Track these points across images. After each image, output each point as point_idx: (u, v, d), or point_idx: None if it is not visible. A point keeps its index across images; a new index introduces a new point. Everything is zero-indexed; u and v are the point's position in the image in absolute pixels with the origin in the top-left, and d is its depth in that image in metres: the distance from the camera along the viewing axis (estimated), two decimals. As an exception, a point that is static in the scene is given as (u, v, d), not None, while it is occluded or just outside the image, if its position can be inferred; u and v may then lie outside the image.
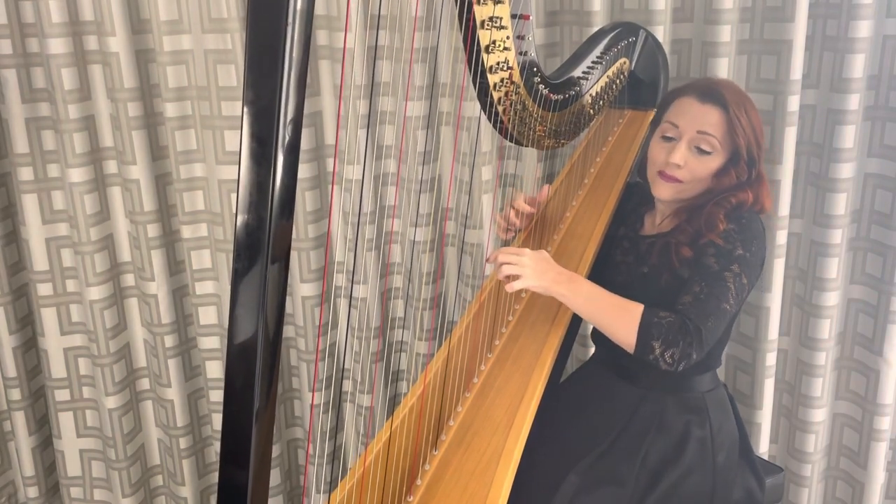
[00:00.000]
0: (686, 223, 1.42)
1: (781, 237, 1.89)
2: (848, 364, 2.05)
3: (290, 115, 0.76)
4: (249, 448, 0.83)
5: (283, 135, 0.76)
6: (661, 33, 1.83)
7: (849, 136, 1.82)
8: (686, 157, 1.41)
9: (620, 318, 1.31)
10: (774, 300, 1.92)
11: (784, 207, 1.87)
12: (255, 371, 0.81)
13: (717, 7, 1.78)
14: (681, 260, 1.39)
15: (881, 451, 2.01)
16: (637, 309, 1.31)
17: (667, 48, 1.86)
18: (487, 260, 1.37)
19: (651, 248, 1.48)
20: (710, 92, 1.41)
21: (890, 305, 1.91)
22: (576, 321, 1.50)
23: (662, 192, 1.45)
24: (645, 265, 1.47)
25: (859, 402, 2.04)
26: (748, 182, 1.42)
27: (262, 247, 0.78)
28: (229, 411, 0.83)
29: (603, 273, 1.54)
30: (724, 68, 1.82)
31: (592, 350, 1.70)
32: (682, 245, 1.39)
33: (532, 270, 1.31)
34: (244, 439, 0.83)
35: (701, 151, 1.41)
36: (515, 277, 1.32)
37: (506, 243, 1.65)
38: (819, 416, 2.02)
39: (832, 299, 1.93)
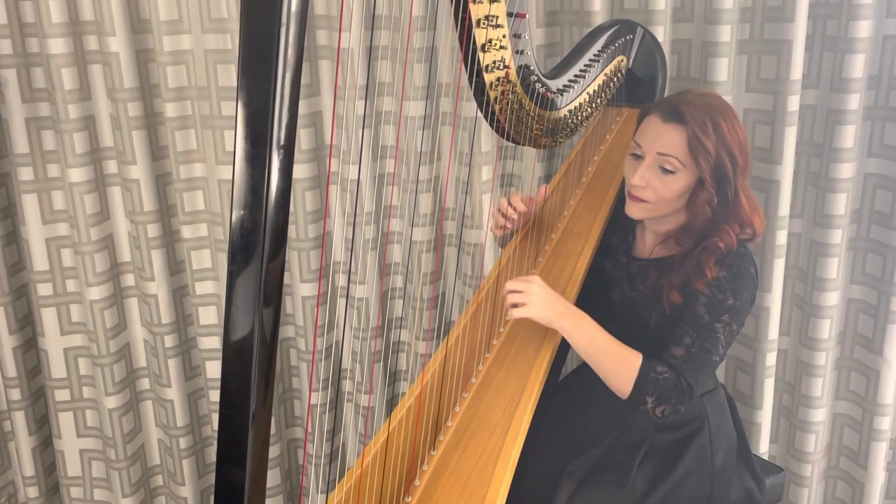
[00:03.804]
0: (677, 266, 1.39)
1: (781, 237, 1.89)
2: (848, 364, 2.04)
3: (284, 117, 0.76)
4: (246, 449, 0.83)
5: (278, 136, 0.76)
6: (661, 33, 1.83)
7: (849, 136, 1.81)
8: (647, 178, 1.37)
9: (619, 367, 1.33)
10: (774, 300, 1.92)
11: (784, 207, 1.86)
12: (251, 372, 0.81)
13: (717, 7, 1.77)
14: (671, 305, 1.39)
15: (881, 451, 2.01)
16: (635, 360, 1.32)
17: (667, 48, 1.86)
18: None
19: (642, 272, 1.47)
20: (674, 111, 1.36)
21: (890, 305, 1.91)
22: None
23: (633, 211, 1.42)
24: (635, 290, 1.46)
25: (859, 402, 2.03)
26: (727, 207, 1.36)
27: (257, 249, 0.78)
28: (226, 413, 0.83)
29: (596, 283, 1.53)
30: (724, 68, 1.81)
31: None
32: (673, 290, 1.38)
33: (539, 300, 1.32)
34: (241, 440, 0.83)
35: (665, 171, 1.36)
36: (520, 305, 1.32)
37: (503, 242, 1.64)
38: (819, 416, 2.02)
39: (832, 299, 1.93)
